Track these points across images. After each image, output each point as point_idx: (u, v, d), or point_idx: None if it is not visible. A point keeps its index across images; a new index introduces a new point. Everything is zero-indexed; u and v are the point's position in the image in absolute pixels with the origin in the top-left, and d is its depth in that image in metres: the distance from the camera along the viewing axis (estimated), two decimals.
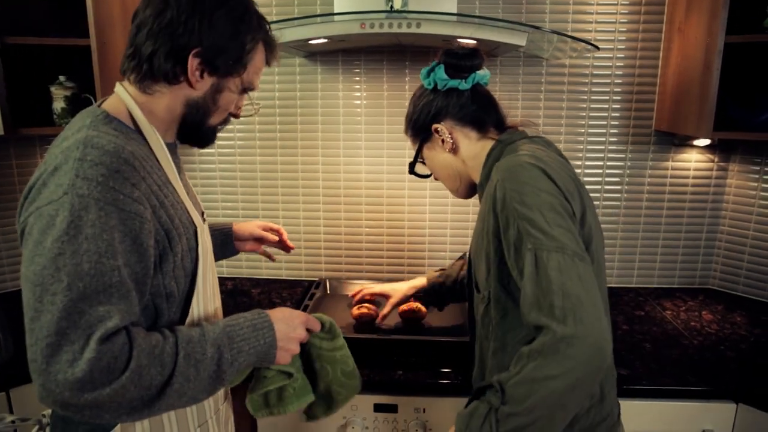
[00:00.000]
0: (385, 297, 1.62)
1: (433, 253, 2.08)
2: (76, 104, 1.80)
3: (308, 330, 1.01)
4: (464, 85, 1.09)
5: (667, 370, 1.43)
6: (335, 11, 1.59)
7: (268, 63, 0.99)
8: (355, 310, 1.63)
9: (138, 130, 0.90)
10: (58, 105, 1.78)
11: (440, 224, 2.05)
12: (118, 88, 0.92)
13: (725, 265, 1.99)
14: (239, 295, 1.97)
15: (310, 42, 1.55)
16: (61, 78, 1.78)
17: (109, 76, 1.72)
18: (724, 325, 1.71)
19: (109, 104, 0.90)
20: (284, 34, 1.48)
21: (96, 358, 0.71)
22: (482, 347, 1.09)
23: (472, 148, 1.11)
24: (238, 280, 2.11)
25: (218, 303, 1.08)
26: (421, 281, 1.59)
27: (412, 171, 1.22)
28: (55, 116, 1.79)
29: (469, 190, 1.19)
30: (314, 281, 2.00)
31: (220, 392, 1.05)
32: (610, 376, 1.03)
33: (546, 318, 0.78)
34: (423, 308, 1.64)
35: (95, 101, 1.73)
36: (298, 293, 1.98)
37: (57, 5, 1.86)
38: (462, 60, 1.09)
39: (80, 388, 0.70)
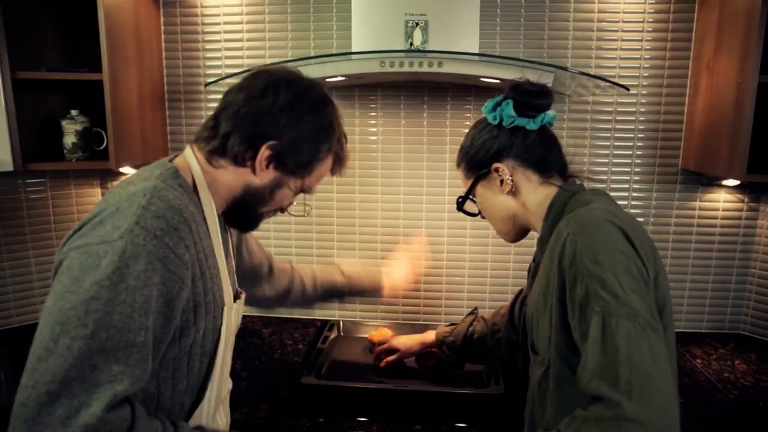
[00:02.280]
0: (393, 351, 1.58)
1: (450, 294, 2.01)
2: (87, 139, 1.77)
3: None
4: (532, 124, 1.01)
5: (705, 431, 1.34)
6: (353, 50, 1.55)
7: (332, 173, 1.00)
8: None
9: (197, 195, 0.88)
10: (69, 140, 1.75)
11: (458, 264, 1.99)
12: (188, 150, 0.91)
13: (757, 310, 1.90)
14: (250, 335, 1.90)
15: (327, 80, 1.52)
16: (73, 112, 1.76)
17: (121, 111, 1.69)
18: (760, 377, 1.62)
19: (178, 162, 0.90)
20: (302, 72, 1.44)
21: (93, 426, 0.64)
22: (534, 412, 1.00)
23: (533, 192, 1.03)
24: (249, 319, 2.05)
25: (230, 384, 1.06)
26: (429, 337, 1.53)
27: (460, 208, 1.13)
28: (65, 151, 1.76)
29: (520, 234, 1.11)
30: (327, 321, 1.93)
31: None
32: None
33: (609, 389, 0.71)
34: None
35: (106, 136, 1.70)
36: (310, 334, 1.91)
37: (70, 40, 1.84)
38: (533, 98, 1.01)
39: None
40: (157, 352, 0.77)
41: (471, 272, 1.98)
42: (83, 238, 0.72)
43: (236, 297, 1.01)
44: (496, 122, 1.02)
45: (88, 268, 0.69)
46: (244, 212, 0.95)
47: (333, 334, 1.84)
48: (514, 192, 1.03)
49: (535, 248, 1.06)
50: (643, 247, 0.84)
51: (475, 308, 1.53)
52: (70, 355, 0.65)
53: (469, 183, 1.08)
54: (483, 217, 1.13)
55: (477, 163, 1.05)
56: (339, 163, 0.99)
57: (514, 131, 1.01)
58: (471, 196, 1.10)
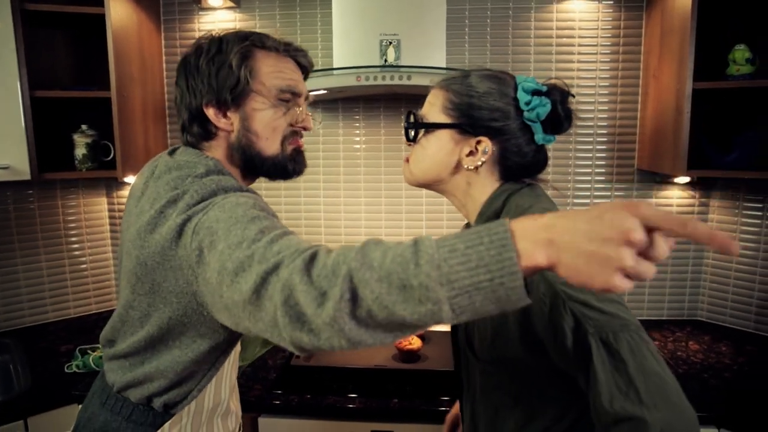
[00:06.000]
0: None
1: None
2: (96, 150, 1.95)
3: None
4: (542, 139, 0.91)
5: None
6: (334, 66, 1.74)
7: (296, 64, 1.01)
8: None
9: None
10: (80, 151, 1.93)
11: None
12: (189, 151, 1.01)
13: (712, 297, 2.06)
14: None
15: (311, 92, 1.70)
16: (83, 127, 1.94)
17: (127, 125, 1.87)
18: (709, 354, 1.78)
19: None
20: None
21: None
22: (475, 411, 0.99)
23: (486, 186, 0.93)
24: None
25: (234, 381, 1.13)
26: None
27: (411, 126, 0.97)
28: (76, 161, 1.93)
29: (426, 187, 1.00)
30: None
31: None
32: None
33: (635, 407, 0.68)
34: (419, 340, 1.73)
35: (113, 148, 1.88)
36: None
37: (81, 61, 2.03)
38: (566, 119, 0.92)
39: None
40: None
41: None
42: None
43: None
44: (524, 106, 0.90)
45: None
46: (256, 164, 0.98)
47: None
48: (471, 171, 0.92)
49: None
50: None
51: None
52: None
53: (444, 119, 0.93)
54: (408, 144, 0.99)
55: (470, 117, 0.91)
56: (266, 45, 0.96)
57: (524, 129, 0.91)
58: (427, 128, 0.95)
